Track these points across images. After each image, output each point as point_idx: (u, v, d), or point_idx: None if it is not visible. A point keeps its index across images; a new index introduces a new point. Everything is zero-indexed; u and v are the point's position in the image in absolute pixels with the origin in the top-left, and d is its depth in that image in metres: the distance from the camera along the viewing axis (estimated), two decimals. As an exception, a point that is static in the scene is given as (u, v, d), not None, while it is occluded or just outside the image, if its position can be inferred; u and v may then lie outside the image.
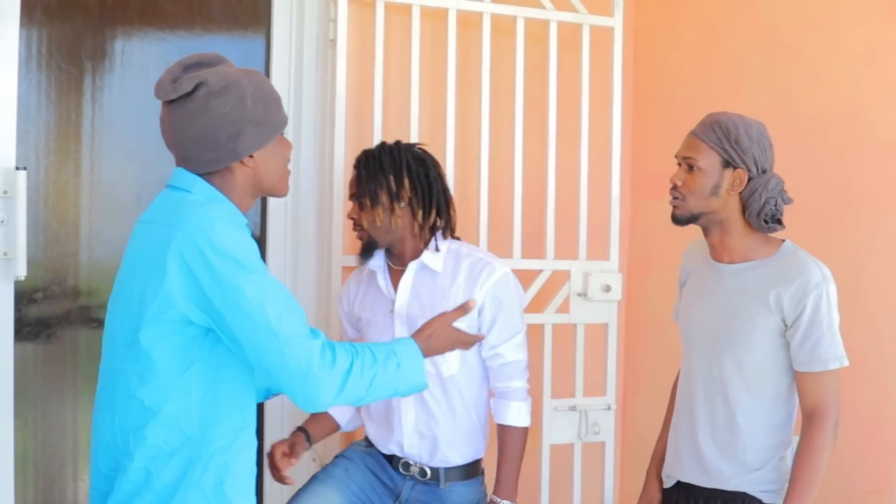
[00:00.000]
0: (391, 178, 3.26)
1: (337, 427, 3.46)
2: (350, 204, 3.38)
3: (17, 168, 3.20)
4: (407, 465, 3.32)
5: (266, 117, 2.44)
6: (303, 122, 3.90)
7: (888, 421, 3.68)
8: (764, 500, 2.90)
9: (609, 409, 4.21)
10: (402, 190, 3.25)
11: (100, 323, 3.60)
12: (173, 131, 2.38)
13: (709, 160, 2.90)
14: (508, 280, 3.32)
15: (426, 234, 3.32)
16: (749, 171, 2.89)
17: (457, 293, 3.24)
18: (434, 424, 3.29)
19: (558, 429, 4.10)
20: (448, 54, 3.99)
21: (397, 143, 3.36)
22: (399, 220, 3.26)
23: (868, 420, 3.72)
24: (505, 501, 3.27)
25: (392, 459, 3.36)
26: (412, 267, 3.31)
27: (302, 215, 3.92)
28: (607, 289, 4.18)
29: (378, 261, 3.38)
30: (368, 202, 3.25)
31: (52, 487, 3.60)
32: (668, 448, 3.15)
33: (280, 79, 3.89)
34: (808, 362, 2.82)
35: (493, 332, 3.28)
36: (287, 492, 3.59)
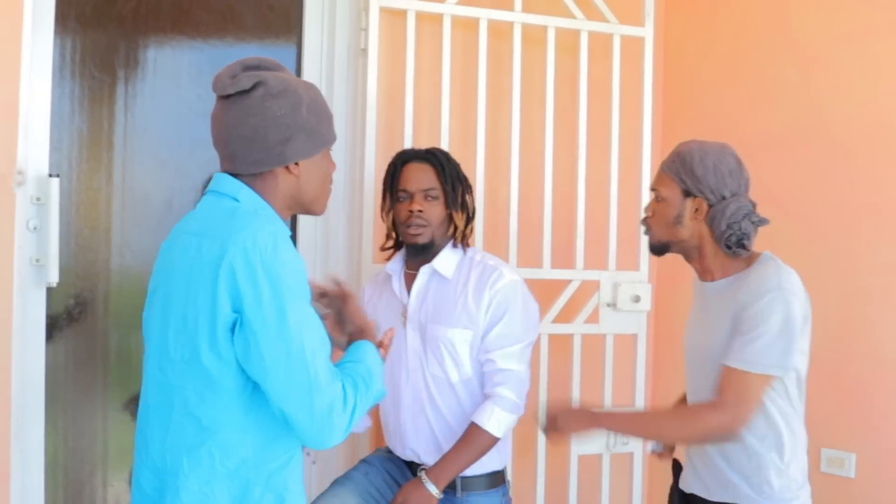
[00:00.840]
0: (458, 182, 3.31)
1: None
2: (379, 205, 3.42)
3: (51, 175, 3.22)
4: (418, 468, 3.30)
5: (318, 128, 2.42)
6: (334, 130, 3.91)
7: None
8: None
9: (638, 420, 4.19)
10: (458, 195, 3.30)
11: (130, 329, 3.63)
12: (224, 127, 2.34)
13: (670, 190, 2.93)
14: (516, 288, 3.31)
15: (451, 241, 3.36)
16: (706, 198, 2.89)
17: (464, 300, 3.26)
18: (447, 431, 3.29)
19: (587, 440, 4.08)
20: (479, 64, 4.00)
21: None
22: (450, 223, 3.32)
23: (880, 426, 3.71)
24: (430, 483, 3.18)
25: (411, 465, 3.36)
26: (424, 272, 3.33)
27: (332, 224, 3.93)
28: (636, 299, 4.17)
29: (395, 264, 3.39)
30: (445, 199, 3.29)
31: (81, 494, 3.61)
32: (685, 461, 3.14)
33: (311, 87, 3.90)
34: (733, 358, 2.77)
35: (490, 337, 3.27)
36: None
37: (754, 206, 2.93)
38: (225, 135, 2.34)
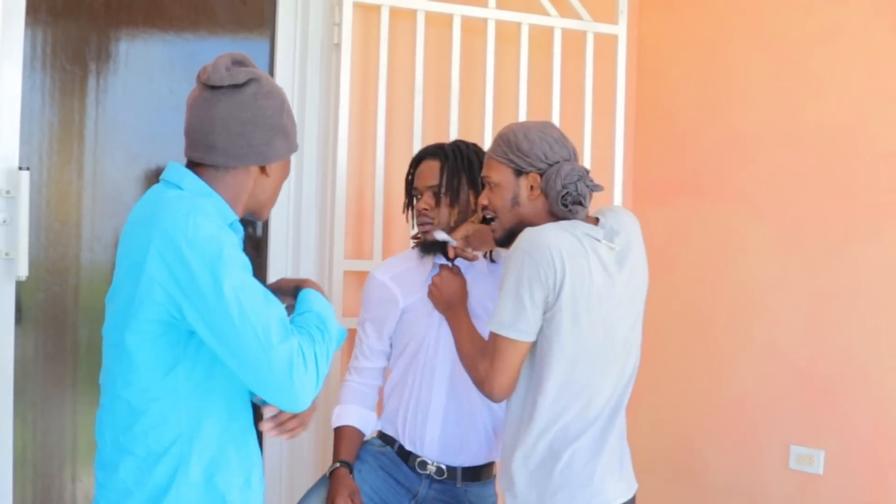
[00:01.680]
0: (457, 175, 3.31)
1: (363, 437, 3.38)
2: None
3: (21, 168, 3.20)
4: (424, 464, 3.31)
5: (292, 133, 2.46)
6: (306, 125, 3.89)
7: (887, 431, 3.70)
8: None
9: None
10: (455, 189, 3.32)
11: (100, 324, 3.61)
12: (210, 118, 2.33)
13: (501, 175, 2.91)
14: None
15: None
16: (538, 170, 2.87)
17: (481, 289, 3.32)
18: (463, 421, 3.30)
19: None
20: (452, 59, 4.00)
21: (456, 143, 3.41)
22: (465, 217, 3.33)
23: (868, 431, 3.74)
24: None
25: (408, 458, 3.33)
26: (460, 264, 3.35)
27: (304, 220, 3.91)
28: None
29: (439, 258, 3.37)
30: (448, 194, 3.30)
31: (49, 489, 3.59)
32: None
33: (284, 82, 3.89)
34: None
35: None
36: (293, 493, 3.60)
37: (587, 171, 2.90)
38: (208, 126, 2.34)
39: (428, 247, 3.32)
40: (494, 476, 3.43)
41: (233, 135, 2.34)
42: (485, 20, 4.05)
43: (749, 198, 4.17)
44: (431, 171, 3.31)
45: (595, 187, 2.89)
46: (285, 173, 2.51)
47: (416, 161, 3.38)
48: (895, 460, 3.69)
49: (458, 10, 4.00)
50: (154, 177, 3.67)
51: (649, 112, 4.62)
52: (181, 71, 3.75)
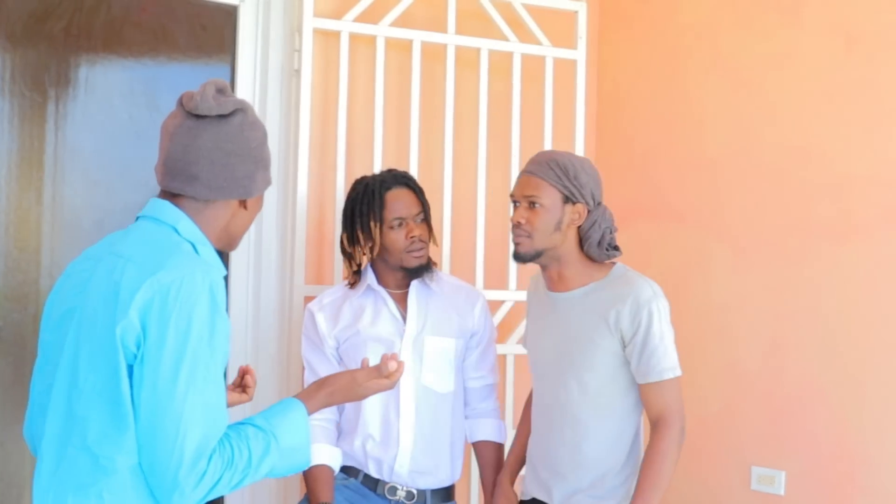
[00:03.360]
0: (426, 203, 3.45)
1: (334, 475, 3.34)
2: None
3: (-21, 195, 3.19)
4: (394, 490, 3.31)
5: (269, 166, 2.37)
6: (267, 151, 3.88)
7: (847, 452, 3.72)
8: None
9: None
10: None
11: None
12: (195, 149, 2.23)
13: (550, 198, 2.99)
14: (487, 305, 3.54)
15: (392, 263, 3.41)
16: (587, 204, 3.00)
17: (453, 313, 3.41)
18: (429, 443, 3.32)
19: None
20: (412, 85, 4.01)
21: None
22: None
23: (828, 451, 3.76)
24: None
25: (376, 486, 3.32)
26: (416, 287, 3.40)
27: (265, 245, 3.90)
28: (569, 319, 4.19)
29: (371, 281, 3.40)
30: (426, 221, 3.41)
31: (9, 517, 3.56)
32: (527, 467, 3.25)
33: (244, 108, 3.88)
34: (647, 373, 2.93)
35: (479, 353, 3.47)
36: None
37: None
38: (192, 156, 2.23)
39: (418, 271, 3.37)
40: (450, 498, 3.44)
41: (217, 167, 2.23)
42: (444, 45, 4.07)
43: (708, 220, 4.20)
44: (410, 199, 3.38)
45: (615, 229, 3.06)
46: (259, 206, 2.40)
47: (383, 190, 3.35)
48: (855, 480, 3.72)
49: (418, 36, 4.01)
50: (114, 202, 3.67)
51: (609, 136, 4.65)
52: (141, 97, 3.74)
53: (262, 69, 3.95)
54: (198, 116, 2.24)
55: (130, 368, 2.08)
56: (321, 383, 2.45)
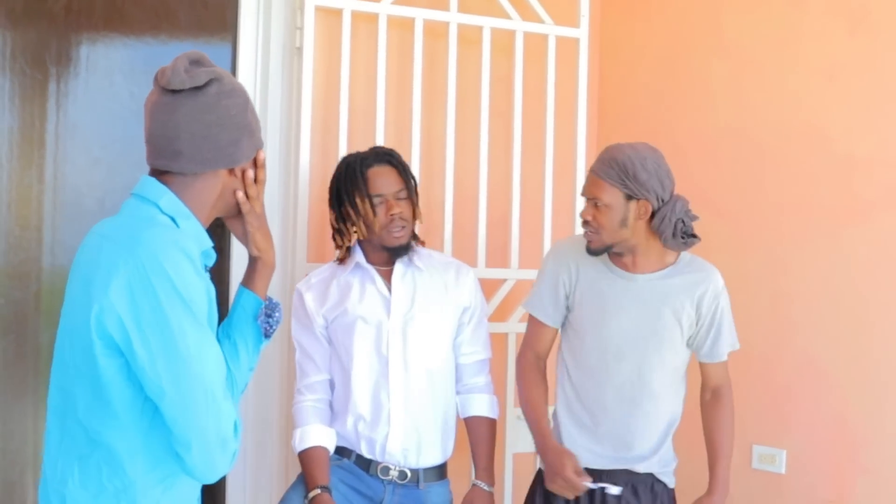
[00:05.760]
0: (412, 179, 3.44)
1: (330, 456, 3.35)
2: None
3: (-20, 173, 3.19)
4: (386, 470, 3.31)
5: (258, 130, 2.35)
6: (268, 129, 3.88)
7: (847, 431, 3.73)
8: (664, 479, 3.26)
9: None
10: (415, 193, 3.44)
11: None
12: (174, 124, 2.21)
13: (612, 197, 3.09)
14: (477, 282, 3.52)
15: (375, 242, 3.40)
16: (650, 200, 3.08)
17: (442, 290, 3.40)
18: (420, 421, 3.32)
19: (522, 438, 4.09)
20: (414, 63, 4.00)
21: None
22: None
23: (829, 430, 3.77)
24: (485, 485, 3.37)
25: (369, 466, 3.33)
26: (402, 265, 3.39)
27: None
28: (571, 298, 4.19)
29: (360, 258, 3.39)
30: (410, 198, 3.39)
31: (11, 495, 3.57)
32: (568, 442, 3.28)
33: (246, 86, 3.83)
34: (720, 353, 3.25)
35: (470, 329, 3.46)
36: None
37: (688, 201, 3.15)
38: (173, 132, 2.21)
39: (400, 250, 3.36)
40: (446, 475, 3.45)
41: (198, 139, 2.21)
42: (447, 24, 4.06)
43: (709, 200, 4.18)
44: (392, 177, 3.37)
45: (695, 217, 3.16)
46: (262, 170, 2.38)
47: (364, 167, 3.35)
48: (856, 458, 3.73)
49: (420, 14, 4.00)
50: (116, 180, 3.67)
51: (611, 114, 4.64)
52: (142, 75, 3.73)
53: (264, 47, 3.94)
54: (173, 91, 2.22)
55: (112, 350, 2.10)
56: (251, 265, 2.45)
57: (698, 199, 4.22)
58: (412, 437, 3.31)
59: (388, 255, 3.38)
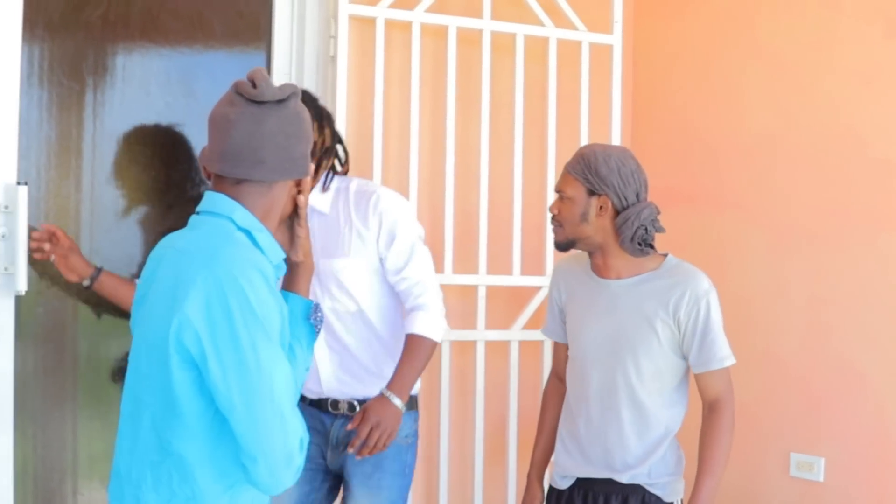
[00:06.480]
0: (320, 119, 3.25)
1: None
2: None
3: (19, 183, 3.21)
4: (336, 404, 3.33)
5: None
6: (303, 137, 3.89)
7: (887, 437, 3.70)
8: (656, 492, 3.18)
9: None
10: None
11: (100, 337, 3.61)
12: (260, 134, 2.29)
13: (575, 190, 3.14)
14: (393, 200, 3.33)
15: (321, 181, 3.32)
16: (610, 197, 3.10)
17: (348, 230, 3.27)
18: (351, 361, 3.32)
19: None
20: (448, 71, 4.01)
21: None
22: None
23: (868, 437, 3.75)
24: (395, 398, 3.21)
25: (320, 403, 3.35)
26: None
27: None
28: (606, 305, 4.18)
29: None
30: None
31: (51, 502, 3.59)
32: (561, 452, 3.32)
33: (280, 95, 3.89)
34: (707, 362, 3.12)
35: (393, 257, 3.30)
36: None
37: (659, 212, 3.15)
38: (258, 142, 2.29)
39: None
40: (412, 409, 3.39)
41: (280, 149, 2.31)
42: (480, 31, 4.06)
43: (746, 205, 4.18)
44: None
45: (660, 229, 3.15)
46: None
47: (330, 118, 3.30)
48: (895, 466, 3.70)
49: (454, 22, 4.01)
50: (151, 188, 3.69)
51: (645, 121, 4.63)
52: (177, 84, 3.75)
53: (298, 56, 3.96)
54: (259, 103, 2.30)
55: (187, 363, 2.17)
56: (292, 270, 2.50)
57: (732, 203, 4.22)
58: (345, 380, 3.32)
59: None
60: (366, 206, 3.27)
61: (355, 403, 3.33)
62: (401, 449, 3.35)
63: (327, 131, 3.25)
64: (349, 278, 3.29)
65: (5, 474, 3.25)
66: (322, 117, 3.24)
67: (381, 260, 3.31)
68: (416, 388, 3.39)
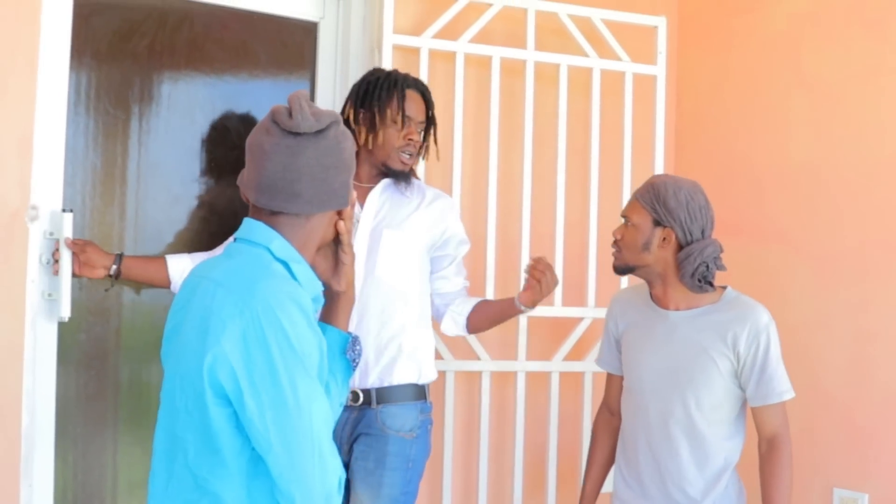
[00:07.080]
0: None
1: None
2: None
3: (64, 210, 3.23)
4: None
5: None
6: (346, 166, 3.90)
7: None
8: None
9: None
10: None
11: (141, 364, 3.63)
12: (296, 167, 2.22)
13: (641, 218, 3.14)
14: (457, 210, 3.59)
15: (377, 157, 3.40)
16: (675, 230, 3.09)
17: (419, 213, 3.41)
18: (378, 338, 3.31)
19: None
20: (491, 100, 4.01)
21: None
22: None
23: (892, 466, 3.70)
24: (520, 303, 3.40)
25: None
26: (384, 184, 3.41)
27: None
28: (648, 337, 4.16)
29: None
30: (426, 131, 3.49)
31: (90, 528, 3.60)
32: (619, 483, 3.30)
33: (324, 124, 3.90)
34: (766, 396, 3.08)
35: (463, 268, 3.56)
36: None
37: (722, 250, 3.14)
38: (293, 174, 2.22)
39: (402, 175, 3.42)
40: (419, 400, 3.40)
41: (317, 182, 2.24)
42: (524, 62, 4.07)
43: (790, 237, 4.15)
44: (421, 106, 3.45)
45: (722, 267, 3.13)
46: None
47: (405, 87, 3.42)
48: (941, 504, 3.65)
49: (498, 52, 4.02)
50: (195, 216, 3.70)
51: (689, 152, 4.62)
52: (222, 112, 3.77)
53: (342, 85, 3.97)
54: (296, 134, 2.23)
55: (222, 399, 2.12)
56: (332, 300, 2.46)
57: (776, 235, 4.19)
58: (368, 354, 3.30)
59: (376, 175, 3.42)
60: (442, 205, 3.49)
61: (359, 393, 3.32)
62: (404, 443, 3.34)
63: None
64: (410, 255, 3.38)
65: (45, 500, 3.26)
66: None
67: (437, 260, 3.49)
68: (428, 378, 3.42)
